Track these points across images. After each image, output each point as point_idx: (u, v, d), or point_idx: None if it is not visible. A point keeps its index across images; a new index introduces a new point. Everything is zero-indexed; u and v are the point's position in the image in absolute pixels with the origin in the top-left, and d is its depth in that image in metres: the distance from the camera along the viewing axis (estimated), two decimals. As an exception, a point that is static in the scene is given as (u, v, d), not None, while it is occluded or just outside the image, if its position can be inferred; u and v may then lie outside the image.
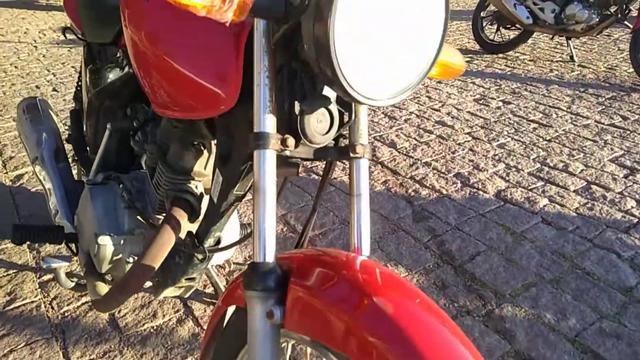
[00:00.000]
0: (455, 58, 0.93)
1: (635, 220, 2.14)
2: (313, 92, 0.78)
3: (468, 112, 3.36)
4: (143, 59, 0.95)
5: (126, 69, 1.37)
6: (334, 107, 0.79)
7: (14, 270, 1.82)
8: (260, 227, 0.71)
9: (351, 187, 0.83)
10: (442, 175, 2.52)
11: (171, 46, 0.88)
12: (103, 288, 1.21)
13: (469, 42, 5.18)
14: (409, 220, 2.14)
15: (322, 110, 0.78)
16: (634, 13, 4.04)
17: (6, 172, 2.51)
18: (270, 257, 0.71)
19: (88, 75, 1.42)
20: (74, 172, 1.73)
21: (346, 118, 0.82)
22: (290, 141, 0.74)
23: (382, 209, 2.21)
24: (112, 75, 1.35)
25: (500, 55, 4.66)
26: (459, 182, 2.45)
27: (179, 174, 1.09)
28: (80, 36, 1.52)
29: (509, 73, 4.16)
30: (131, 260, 1.17)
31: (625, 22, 4.06)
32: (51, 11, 6.95)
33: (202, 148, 1.09)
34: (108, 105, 1.27)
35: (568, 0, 4.11)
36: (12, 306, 1.65)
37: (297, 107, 0.77)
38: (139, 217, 1.19)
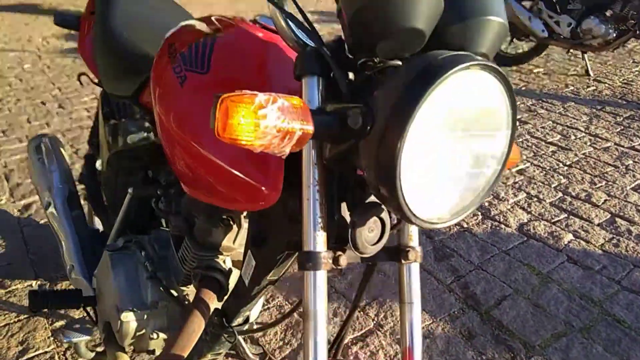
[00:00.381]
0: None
1: (664, 258, 2.07)
2: (363, 198, 0.72)
3: (484, 132, 3.28)
4: (174, 141, 0.89)
5: (147, 127, 1.30)
6: (385, 214, 0.73)
7: (25, 316, 1.76)
8: (312, 358, 0.64)
9: (401, 294, 0.77)
10: (461, 205, 2.45)
11: (206, 135, 0.81)
12: (124, 360, 1.15)
13: (480, 53, 5.08)
14: (431, 258, 2.07)
15: (374, 218, 0.72)
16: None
17: (13, 201, 2.45)
18: (322, 392, 0.64)
19: (106, 131, 1.36)
20: (84, 201, 1.66)
21: (394, 220, 0.76)
22: (343, 260, 0.68)
23: (402, 244, 2.15)
24: (133, 135, 1.28)
25: (514, 67, 4.58)
26: (479, 213, 2.38)
27: (207, 250, 1.02)
28: (96, 82, 1.45)
29: (523, 88, 4.08)
30: (155, 335, 1.11)
31: (643, 38, 3.98)
32: (55, 16, 6.87)
33: (231, 222, 1.03)
34: (128, 166, 1.21)
35: (585, 14, 4.02)
36: (24, 357, 1.59)
37: (348, 218, 0.70)
38: (161, 289, 1.13)
